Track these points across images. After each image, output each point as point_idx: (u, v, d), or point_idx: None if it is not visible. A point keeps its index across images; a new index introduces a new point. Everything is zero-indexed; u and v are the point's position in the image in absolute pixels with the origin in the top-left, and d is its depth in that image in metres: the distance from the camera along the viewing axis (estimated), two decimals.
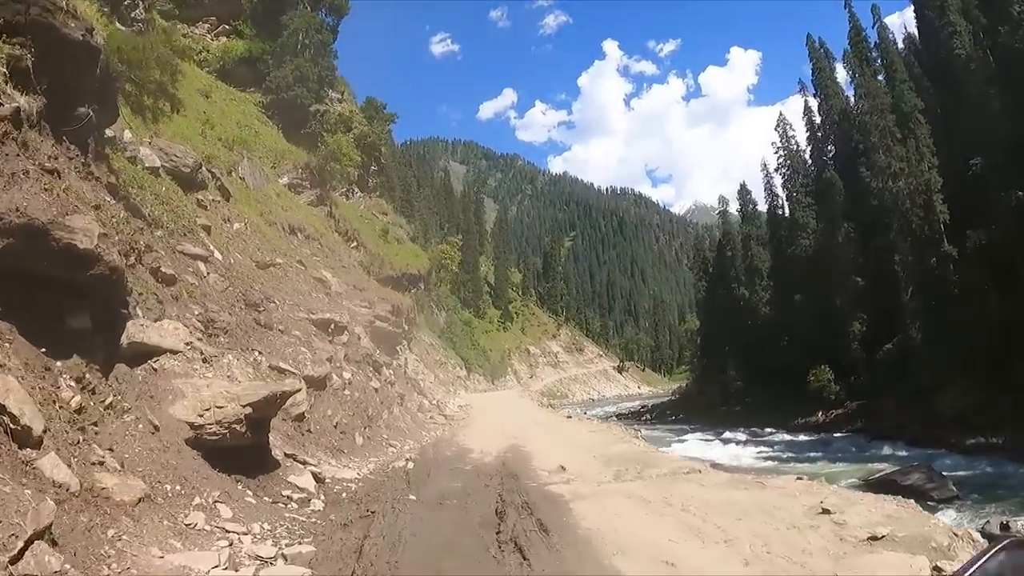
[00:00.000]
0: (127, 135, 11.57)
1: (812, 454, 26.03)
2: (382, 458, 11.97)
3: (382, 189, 42.13)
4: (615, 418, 43.28)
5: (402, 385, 21.98)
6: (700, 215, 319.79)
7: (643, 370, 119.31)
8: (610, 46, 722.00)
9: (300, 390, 9.78)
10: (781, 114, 38.66)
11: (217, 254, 12.25)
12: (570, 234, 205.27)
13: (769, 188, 40.74)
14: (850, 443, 28.14)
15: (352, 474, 9.77)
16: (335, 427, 11.45)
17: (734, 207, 46.49)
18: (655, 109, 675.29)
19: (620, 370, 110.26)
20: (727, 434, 33.59)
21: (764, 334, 40.94)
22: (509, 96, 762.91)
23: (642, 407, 61.15)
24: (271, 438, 8.32)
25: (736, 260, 45.79)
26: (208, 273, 11.15)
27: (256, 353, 10.30)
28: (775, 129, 38.04)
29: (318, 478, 8.56)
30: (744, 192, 44.48)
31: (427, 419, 19.88)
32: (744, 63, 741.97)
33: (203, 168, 14.61)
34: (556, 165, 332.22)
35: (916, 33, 37.16)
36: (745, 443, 30.38)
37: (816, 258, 35.11)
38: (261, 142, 24.71)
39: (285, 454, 8.63)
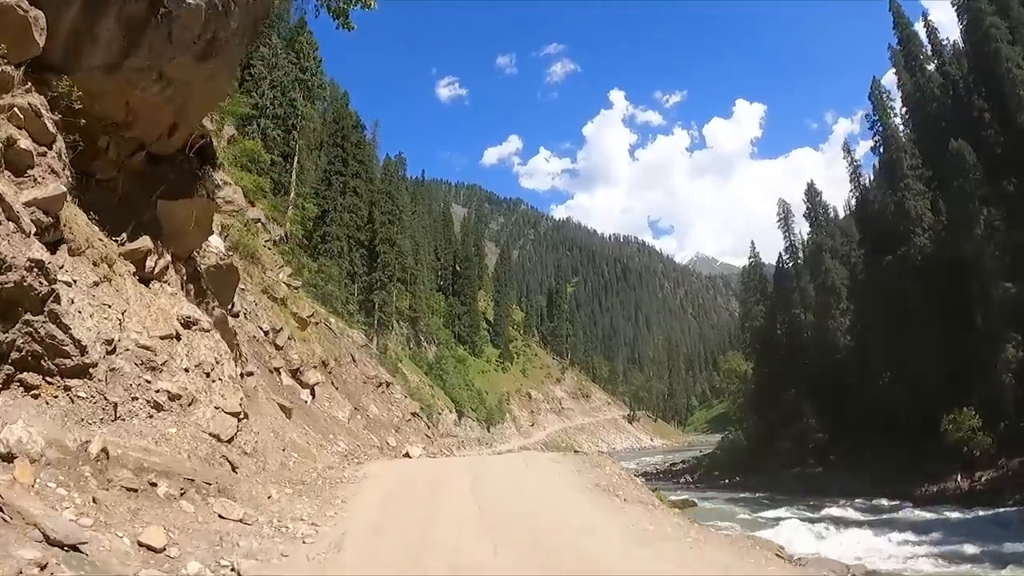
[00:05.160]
0: None
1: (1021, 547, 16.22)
2: None
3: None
4: (641, 478, 33.11)
5: None
6: (703, 266, 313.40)
7: (655, 420, 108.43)
8: (616, 96, 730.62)
9: None
10: (875, 78, 30.61)
11: None
12: (572, 280, 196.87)
13: (855, 178, 31.73)
14: None
15: None
16: None
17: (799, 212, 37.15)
18: (659, 160, 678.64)
19: (630, 420, 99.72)
20: (830, 510, 23.71)
21: (851, 370, 31.52)
22: (514, 142, 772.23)
23: (671, 464, 50.72)
24: None
25: (802, 279, 36.58)
26: None
27: None
28: (868, 99, 29.92)
29: None
30: (812, 193, 35.31)
31: None
32: (749, 116, 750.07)
33: None
34: (559, 213, 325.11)
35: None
36: (872, 525, 20.43)
37: (937, 260, 26.11)
38: None
39: None
